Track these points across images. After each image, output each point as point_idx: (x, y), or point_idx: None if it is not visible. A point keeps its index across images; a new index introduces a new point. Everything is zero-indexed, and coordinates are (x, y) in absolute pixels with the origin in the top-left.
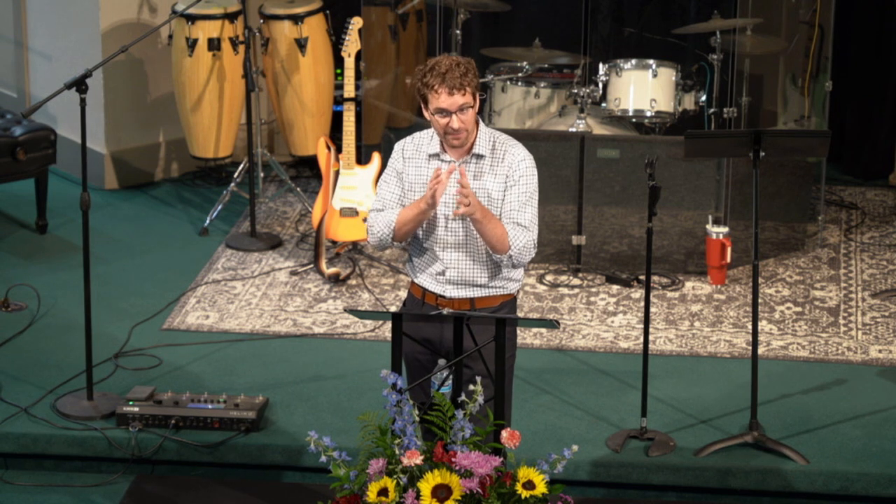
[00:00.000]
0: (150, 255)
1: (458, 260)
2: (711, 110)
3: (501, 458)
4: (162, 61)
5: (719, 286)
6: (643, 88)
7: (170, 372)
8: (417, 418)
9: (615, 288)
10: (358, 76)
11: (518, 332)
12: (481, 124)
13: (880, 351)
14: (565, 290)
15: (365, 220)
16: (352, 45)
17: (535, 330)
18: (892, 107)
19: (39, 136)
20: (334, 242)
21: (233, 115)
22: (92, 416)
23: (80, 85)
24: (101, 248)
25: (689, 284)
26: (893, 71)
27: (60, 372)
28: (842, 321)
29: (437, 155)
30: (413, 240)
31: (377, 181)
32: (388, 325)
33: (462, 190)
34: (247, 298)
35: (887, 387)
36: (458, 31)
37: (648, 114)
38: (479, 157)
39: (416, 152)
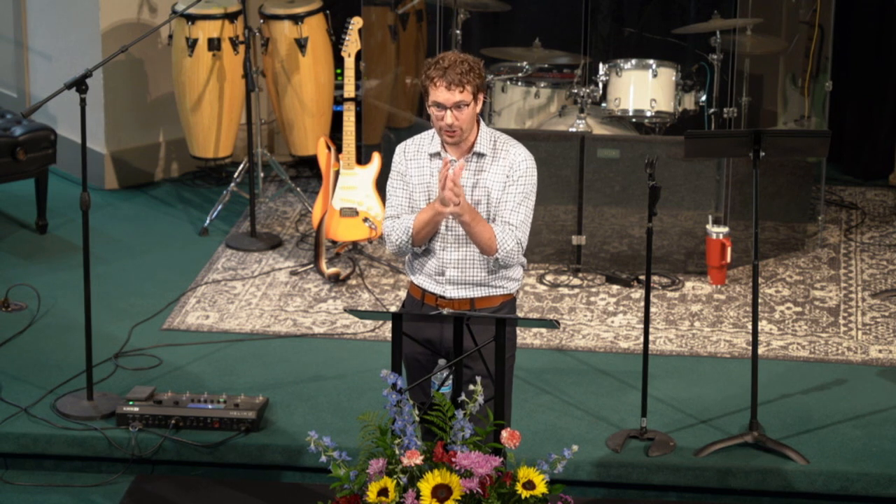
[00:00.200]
0: (150, 255)
1: (457, 259)
2: (711, 110)
3: (501, 458)
4: (162, 61)
5: (719, 286)
6: (643, 88)
7: (170, 372)
8: (417, 418)
9: (615, 288)
10: (358, 76)
11: (518, 332)
12: (482, 124)
13: (880, 351)
14: (565, 290)
15: (365, 220)
16: (352, 45)
17: (535, 330)
18: (892, 107)
19: (39, 136)
20: (334, 242)
21: (233, 115)
22: (92, 416)
23: (80, 85)
24: (101, 248)
25: (689, 284)
26: (893, 71)
27: (60, 372)
28: (842, 321)
29: (438, 154)
30: None
31: (377, 181)
32: (388, 325)
33: (453, 188)
34: (247, 298)
35: (887, 387)
36: (458, 31)
37: (648, 114)
38: (481, 155)
39: (417, 152)
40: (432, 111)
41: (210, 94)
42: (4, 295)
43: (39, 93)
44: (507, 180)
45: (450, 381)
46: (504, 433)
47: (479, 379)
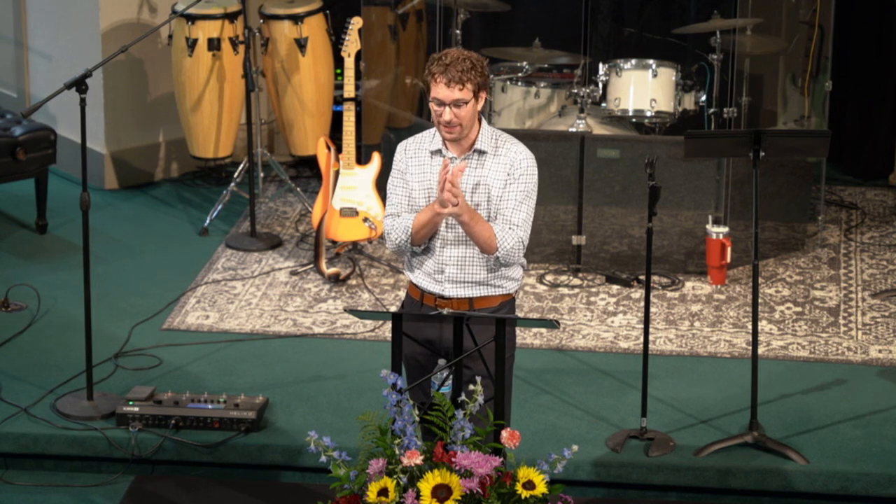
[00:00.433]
0: (150, 255)
1: (457, 257)
2: (711, 110)
3: (501, 458)
4: (162, 61)
5: (719, 286)
6: (643, 88)
7: (170, 372)
8: (417, 418)
9: (615, 288)
10: (358, 76)
11: (518, 332)
12: (484, 122)
13: (880, 351)
14: (565, 290)
15: (365, 220)
16: (352, 45)
17: (535, 330)
18: (892, 107)
19: (39, 136)
20: (334, 242)
21: (233, 115)
22: (92, 416)
23: (80, 85)
24: (101, 248)
25: (689, 284)
26: (893, 71)
27: (60, 372)
28: (842, 321)
29: (439, 151)
30: None
31: (377, 181)
32: (388, 325)
33: (452, 189)
34: (247, 298)
35: (887, 387)
36: (458, 31)
37: (648, 114)
38: (482, 153)
39: (418, 150)
40: (432, 107)
41: (210, 94)
42: (4, 295)
43: (39, 93)
44: (507, 178)
45: (450, 381)
46: (504, 433)
47: (479, 379)
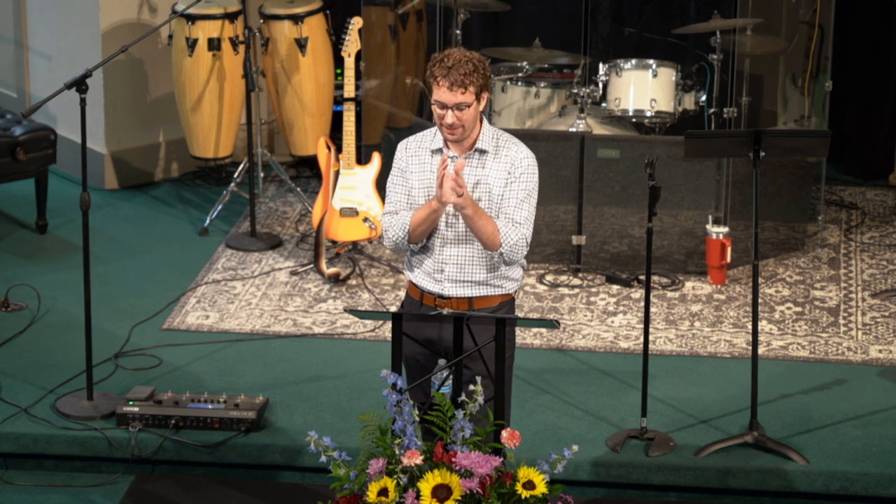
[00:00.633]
0: (150, 255)
1: (457, 256)
2: (711, 110)
3: (501, 458)
4: (162, 61)
5: (719, 286)
6: (643, 88)
7: (170, 372)
8: (417, 418)
9: (615, 288)
10: (358, 76)
11: (518, 332)
12: (485, 122)
13: (880, 351)
14: (565, 290)
15: (365, 219)
16: (352, 45)
17: (535, 330)
18: (892, 107)
19: (39, 136)
20: (334, 242)
21: (233, 115)
22: (92, 416)
23: (80, 85)
24: (101, 248)
25: (689, 284)
26: (893, 71)
27: (60, 372)
28: (842, 321)
29: (439, 150)
30: None
31: (377, 181)
32: (388, 325)
33: (457, 178)
34: (247, 298)
35: (887, 387)
36: (458, 31)
37: (648, 114)
38: (483, 152)
39: (419, 149)
40: (435, 109)
41: (210, 94)
42: (4, 295)
43: (39, 93)
44: (508, 177)
45: (450, 381)
46: (504, 433)
47: (479, 379)
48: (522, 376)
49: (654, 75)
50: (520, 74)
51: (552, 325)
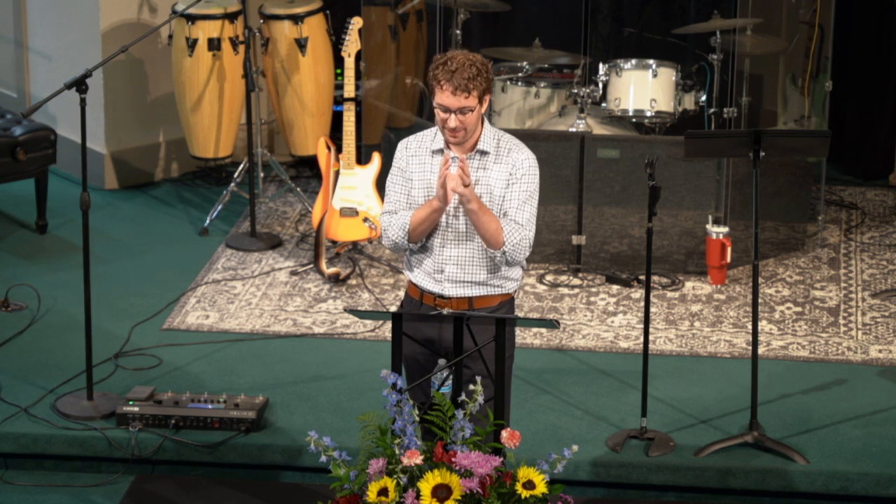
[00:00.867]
0: (150, 255)
1: (457, 256)
2: (711, 110)
3: (501, 458)
4: (162, 61)
5: (719, 286)
6: (643, 88)
7: (170, 372)
8: (417, 418)
9: (615, 288)
10: (358, 76)
11: (518, 332)
12: (486, 123)
13: (880, 351)
14: (565, 290)
15: (365, 219)
16: (352, 45)
17: (535, 330)
18: (892, 107)
19: (39, 136)
20: (334, 242)
21: (233, 115)
22: (92, 416)
23: (80, 85)
24: (101, 248)
25: (689, 284)
26: (893, 71)
27: (60, 372)
28: (842, 321)
29: (440, 150)
30: None
31: (377, 181)
32: (388, 325)
33: (463, 167)
34: (247, 298)
35: (887, 387)
36: (458, 31)
37: (648, 114)
38: (484, 153)
39: (419, 149)
40: (437, 112)
41: (210, 94)
42: (4, 295)
43: (39, 93)
44: (509, 178)
45: (450, 381)
46: (504, 433)
47: (479, 379)
48: (522, 376)
49: (654, 75)
50: (520, 74)
51: (552, 325)
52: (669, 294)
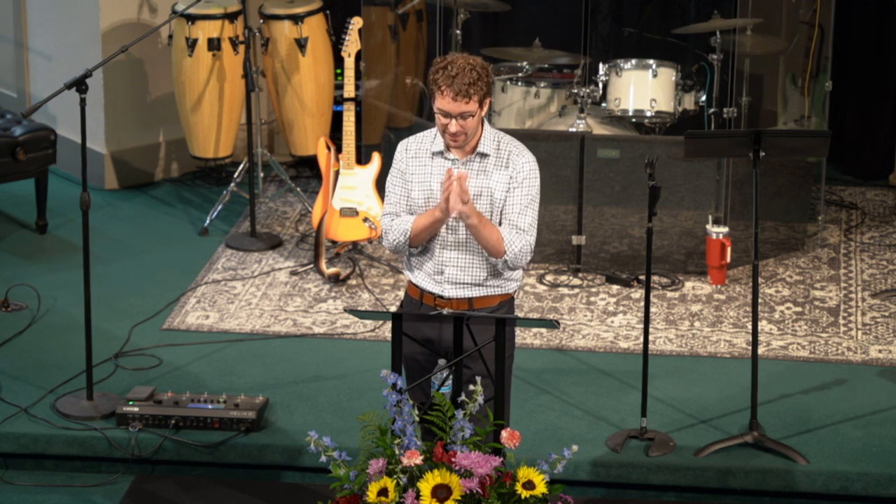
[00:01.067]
0: (150, 255)
1: (457, 259)
2: (711, 110)
3: (501, 458)
4: (162, 61)
5: (719, 286)
6: (643, 88)
7: (170, 372)
8: (417, 418)
9: (615, 288)
10: (358, 76)
11: (518, 332)
12: (486, 125)
13: (880, 351)
14: (565, 290)
15: (365, 220)
16: (352, 45)
17: (535, 330)
18: (892, 107)
19: (39, 136)
20: (334, 242)
21: (233, 115)
22: (92, 416)
23: (80, 85)
24: (101, 248)
25: (689, 284)
26: (893, 71)
27: (60, 372)
28: (842, 321)
29: (440, 153)
30: None
31: (377, 181)
32: (388, 325)
33: (462, 185)
34: (247, 298)
35: (887, 387)
36: (458, 31)
37: (648, 114)
38: (484, 155)
39: (419, 150)
40: (438, 116)
41: (210, 94)
42: (4, 295)
43: (39, 93)
44: (510, 182)
45: (450, 381)
46: (504, 433)
47: (479, 379)
48: (522, 376)
49: (654, 75)
50: (520, 74)
51: (552, 325)
52: (669, 294)
